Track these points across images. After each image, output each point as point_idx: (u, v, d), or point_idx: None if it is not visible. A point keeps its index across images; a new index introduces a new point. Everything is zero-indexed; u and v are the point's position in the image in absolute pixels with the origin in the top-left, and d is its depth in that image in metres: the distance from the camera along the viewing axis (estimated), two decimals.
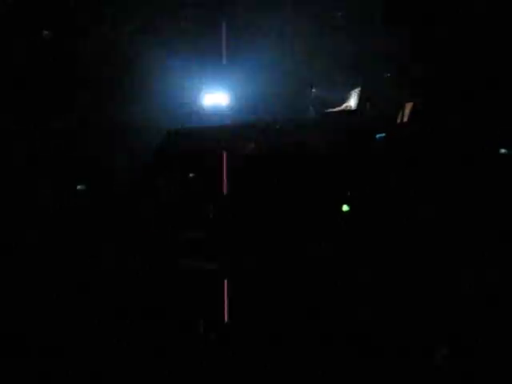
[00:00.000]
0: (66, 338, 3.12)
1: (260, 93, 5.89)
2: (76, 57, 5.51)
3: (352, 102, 5.70)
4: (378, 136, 5.14)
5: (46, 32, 5.40)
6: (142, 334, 3.17)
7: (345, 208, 4.40)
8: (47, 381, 2.83)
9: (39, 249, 4.07)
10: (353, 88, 5.77)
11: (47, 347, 3.05)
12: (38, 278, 3.69)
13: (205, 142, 5.28)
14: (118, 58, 5.60)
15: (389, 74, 5.61)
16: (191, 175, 5.12)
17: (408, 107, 5.18)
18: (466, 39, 5.02)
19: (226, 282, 3.78)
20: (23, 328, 3.17)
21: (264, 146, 5.25)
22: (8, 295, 3.49)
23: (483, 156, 4.08)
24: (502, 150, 4.47)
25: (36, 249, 4.06)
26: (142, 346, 3.06)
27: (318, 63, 5.94)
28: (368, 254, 3.67)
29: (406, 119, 5.14)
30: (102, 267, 3.87)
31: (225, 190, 4.90)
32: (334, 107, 5.84)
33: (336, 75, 5.98)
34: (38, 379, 2.82)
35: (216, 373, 2.87)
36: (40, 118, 5.32)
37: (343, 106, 5.81)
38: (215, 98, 5.81)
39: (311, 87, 5.77)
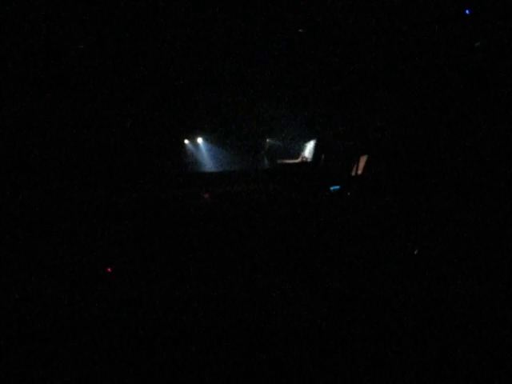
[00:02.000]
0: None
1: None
2: None
3: (307, 153, 5.77)
4: (332, 188, 5.14)
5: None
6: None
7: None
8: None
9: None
10: (308, 140, 5.89)
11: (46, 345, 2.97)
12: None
13: None
14: None
15: (343, 128, 5.72)
16: None
17: (362, 160, 5.23)
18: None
19: None
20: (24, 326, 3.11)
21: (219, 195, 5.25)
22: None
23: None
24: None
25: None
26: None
27: (274, 115, 6.00)
28: None
29: (360, 172, 5.16)
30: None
31: None
32: (290, 158, 5.94)
33: (292, 126, 6.07)
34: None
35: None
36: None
37: (300, 158, 5.87)
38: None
39: (266, 138, 5.92)
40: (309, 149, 5.78)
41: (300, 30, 5.57)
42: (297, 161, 5.79)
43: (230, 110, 5.90)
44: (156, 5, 5.16)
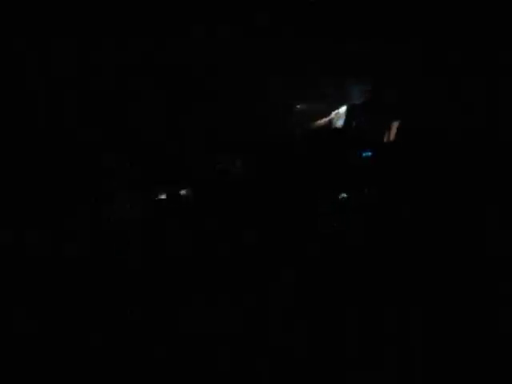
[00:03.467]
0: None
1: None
2: None
3: (334, 117, 5.67)
4: (364, 154, 4.98)
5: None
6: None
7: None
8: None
9: None
10: (339, 105, 5.69)
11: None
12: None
13: None
14: None
15: (375, 94, 5.50)
16: None
17: (394, 127, 5.09)
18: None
19: None
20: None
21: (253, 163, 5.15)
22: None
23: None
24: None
25: None
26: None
27: (303, 78, 5.88)
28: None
29: (392, 138, 5.05)
30: None
31: None
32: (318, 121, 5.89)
33: (321, 90, 5.84)
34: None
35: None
36: None
37: (326, 119, 5.76)
38: None
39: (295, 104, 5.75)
40: (339, 114, 5.65)
41: None
42: (329, 117, 5.68)
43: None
44: None
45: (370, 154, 4.94)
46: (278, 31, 5.49)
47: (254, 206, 4.40)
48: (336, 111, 5.73)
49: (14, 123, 4.96)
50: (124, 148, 5.34)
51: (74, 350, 2.93)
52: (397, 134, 4.97)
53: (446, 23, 4.96)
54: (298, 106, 5.81)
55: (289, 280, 3.49)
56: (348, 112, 5.57)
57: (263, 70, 5.73)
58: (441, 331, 2.93)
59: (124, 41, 5.37)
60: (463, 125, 4.41)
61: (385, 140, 5.06)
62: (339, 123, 5.64)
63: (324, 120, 5.82)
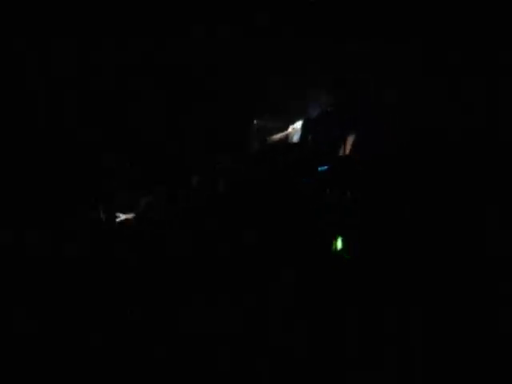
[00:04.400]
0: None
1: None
2: None
3: (291, 131, 5.68)
4: (319, 169, 4.95)
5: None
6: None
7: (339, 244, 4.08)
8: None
9: None
10: (294, 119, 5.73)
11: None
12: None
13: None
14: None
15: (330, 109, 5.51)
16: None
17: (350, 140, 5.11)
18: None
19: None
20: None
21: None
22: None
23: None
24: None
25: None
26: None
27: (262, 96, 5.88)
28: None
29: (347, 152, 5.08)
30: None
31: None
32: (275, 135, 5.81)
33: (278, 106, 5.93)
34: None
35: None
36: None
37: (283, 134, 5.75)
38: None
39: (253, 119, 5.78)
40: (296, 129, 5.67)
41: None
42: (286, 132, 5.71)
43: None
44: None
45: (325, 167, 4.89)
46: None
47: (252, 206, 4.42)
48: (293, 126, 5.74)
49: (14, 123, 5.00)
50: (124, 148, 5.38)
51: (74, 350, 2.94)
52: (352, 148, 4.98)
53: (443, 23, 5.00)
54: (256, 122, 5.85)
55: (289, 280, 3.50)
56: (303, 126, 5.59)
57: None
58: (440, 331, 2.93)
59: (124, 41, 5.38)
60: (463, 125, 4.43)
61: (340, 153, 5.10)
62: (295, 138, 5.65)
63: (281, 135, 5.82)
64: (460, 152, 4.20)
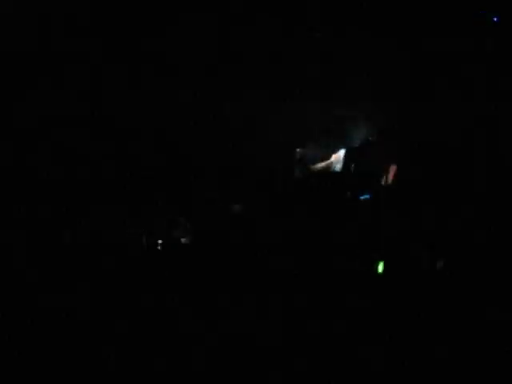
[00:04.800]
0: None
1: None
2: None
3: (334, 160, 5.79)
4: (362, 197, 5.10)
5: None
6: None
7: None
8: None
9: None
10: (336, 149, 5.87)
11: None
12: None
13: None
14: None
15: (374, 138, 5.67)
16: None
17: (392, 170, 5.23)
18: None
19: None
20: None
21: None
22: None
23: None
24: None
25: None
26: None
27: (303, 123, 5.98)
28: None
29: (389, 181, 5.18)
30: None
31: None
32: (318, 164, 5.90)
33: (321, 136, 6.05)
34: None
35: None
36: None
37: (326, 163, 5.87)
38: None
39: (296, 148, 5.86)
40: (338, 158, 5.81)
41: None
42: (329, 161, 5.82)
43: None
44: None
45: (368, 196, 5.02)
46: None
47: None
48: (335, 155, 5.85)
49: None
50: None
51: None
52: (394, 178, 5.04)
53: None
54: (298, 150, 5.94)
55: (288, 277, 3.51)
56: (346, 155, 5.70)
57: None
58: (441, 331, 2.87)
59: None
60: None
61: (383, 183, 5.17)
62: (338, 167, 5.77)
63: (323, 163, 5.92)
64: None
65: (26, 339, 2.98)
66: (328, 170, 5.87)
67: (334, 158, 5.88)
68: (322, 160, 5.94)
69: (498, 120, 4.64)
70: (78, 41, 5.33)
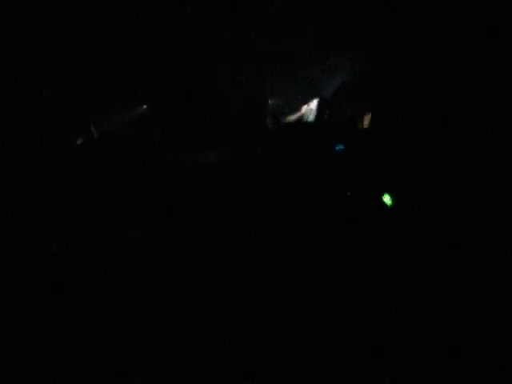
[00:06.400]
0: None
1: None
2: None
3: (306, 112, 5.80)
4: (337, 148, 5.00)
5: None
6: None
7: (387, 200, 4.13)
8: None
9: None
10: (308, 100, 5.92)
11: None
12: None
13: None
14: None
15: (345, 87, 5.69)
16: None
17: (366, 118, 5.23)
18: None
19: None
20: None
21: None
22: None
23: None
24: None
25: None
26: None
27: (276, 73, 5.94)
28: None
29: (365, 127, 5.17)
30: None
31: None
32: (291, 116, 5.96)
33: (293, 85, 6.01)
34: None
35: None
36: None
37: (298, 114, 5.91)
38: None
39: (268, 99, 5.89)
40: (311, 108, 5.79)
41: None
42: (301, 113, 5.81)
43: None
44: None
45: (342, 147, 4.93)
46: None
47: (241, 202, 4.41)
48: (307, 106, 5.91)
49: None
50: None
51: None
52: (369, 123, 5.01)
53: None
54: (270, 101, 5.94)
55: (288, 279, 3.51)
56: (319, 105, 5.70)
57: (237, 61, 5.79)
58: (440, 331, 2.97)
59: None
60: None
61: (358, 130, 5.11)
62: (311, 117, 5.80)
63: (295, 115, 6.00)
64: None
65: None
66: (301, 121, 5.88)
67: (305, 109, 5.94)
68: (295, 111, 5.99)
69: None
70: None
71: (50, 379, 2.83)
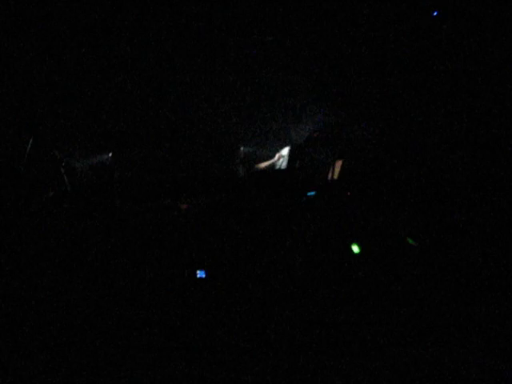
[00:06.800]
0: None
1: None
2: None
3: (278, 158, 5.78)
4: (308, 194, 4.96)
5: None
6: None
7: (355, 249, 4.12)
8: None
9: None
10: (280, 148, 5.87)
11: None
12: None
13: None
14: None
15: (317, 134, 5.64)
16: None
17: (337, 165, 5.17)
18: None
19: None
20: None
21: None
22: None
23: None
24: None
25: None
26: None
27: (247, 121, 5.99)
28: None
29: (335, 177, 5.13)
30: None
31: None
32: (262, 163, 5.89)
33: (265, 133, 6.09)
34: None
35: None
36: None
37: (270, 162, 5.86)
38: None
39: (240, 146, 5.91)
40: (283, 156, 5.79)
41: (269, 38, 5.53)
42: (273, 160, 5.81)
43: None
44: None
45: (313, 193, 4.89)
46: None
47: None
48: (279, 153, 5.85)
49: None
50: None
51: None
52: (340, 173, 5.01)
53: None
54: (242, 149, 5.98)
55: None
56: (291, 153, 5.70)
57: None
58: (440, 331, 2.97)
59: None
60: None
61: (329, 178, 5.12)
62: (283, 165, 5.75)
63: (268, 162, 5.91)
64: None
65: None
66: (273, 168, 5.83)
67: (277, 156, 5.87)
68: (266, 159, 5.94)
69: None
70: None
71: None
